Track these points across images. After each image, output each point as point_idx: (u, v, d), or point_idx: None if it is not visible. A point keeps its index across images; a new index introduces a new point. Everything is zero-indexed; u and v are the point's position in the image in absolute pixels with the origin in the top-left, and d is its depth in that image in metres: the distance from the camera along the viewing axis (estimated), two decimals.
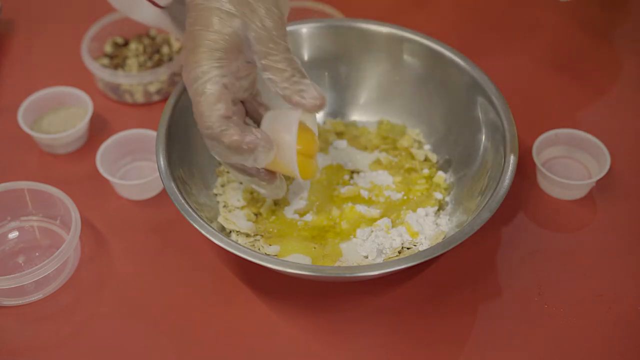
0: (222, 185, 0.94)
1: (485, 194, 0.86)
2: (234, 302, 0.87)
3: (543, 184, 0.96)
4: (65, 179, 0.99)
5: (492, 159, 0.89)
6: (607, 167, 0.94)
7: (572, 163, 0.98)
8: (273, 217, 0.91)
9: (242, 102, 0.83)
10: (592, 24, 1.17)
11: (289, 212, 0.91)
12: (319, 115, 1.02)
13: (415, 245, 0.88)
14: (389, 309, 0.86)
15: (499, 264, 0.90)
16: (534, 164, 0.96)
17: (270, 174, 0.83)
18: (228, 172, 0.95)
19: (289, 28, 0.99)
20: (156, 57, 1.10)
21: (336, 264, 0.86)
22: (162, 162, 0.86)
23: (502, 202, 0.82)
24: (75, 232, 0.87)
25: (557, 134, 0.98)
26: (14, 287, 0.85)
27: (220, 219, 0.90)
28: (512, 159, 0.85)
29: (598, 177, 0.93)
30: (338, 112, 1.02)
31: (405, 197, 0.93)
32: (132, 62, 1.09)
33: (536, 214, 0.94)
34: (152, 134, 0.98)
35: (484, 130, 0.92)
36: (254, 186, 0.86)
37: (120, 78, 1.05)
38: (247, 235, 0.89)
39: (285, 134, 0.80)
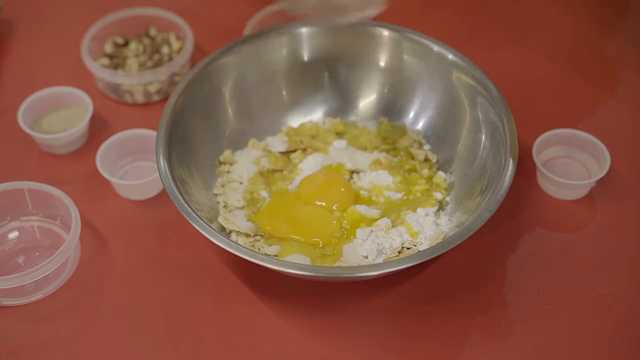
0: (222, 185, 0.94)
1: (485, 194, 0.86)
2: (234, 302, 0.87)
3: (543, 184, 0.96)
4: (65, 179, 0.99)
5: (492, 159, 0.89)
6: (607, 167, 0.94)
7: (572, 163, 0.98)
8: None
9: None
10: (593, 25, 1.17)
11: None
12: (319, 116, 1.02)
13: (415, 245, 0.88)
14: (389, 309, 0.86)
15: (499, 264, 0.90)
16: (534, 164, 0.96)
17: None
18: (228, 172, 0.96)
19: (289, 28, 0.99)
20: (156, 57, 1.10)
21: (336, 264, 0.86)
22: (162, 162, 0.86)
23: (502, 202, 0.82)
24: (75, 232, 0.87)
25: (557, 134, 0.98)
26: (14, 287, 0.85)
27: (220, 219, 0.90)
28: (512, 159, 0.85)
29: (598, 177, 0.93)
30: (338, 112, 1.02)
31: (405, 197, 0.93)
32: (132, 62, 1.09)
33: (536, 214, 0.94)
34: (152, 134, 0.98)
35: (484, 130, 0.92)
36: None
37: (120, 78, 1.05)
38: (247, 236, 0.89)
39: None
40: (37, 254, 0.91)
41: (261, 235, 0.90)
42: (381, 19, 0.99)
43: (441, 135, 0.97)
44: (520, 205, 0.95)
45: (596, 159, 0.96)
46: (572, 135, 0.98)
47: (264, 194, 0.94)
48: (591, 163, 0.97)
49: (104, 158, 0.97)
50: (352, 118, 1.02)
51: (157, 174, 0.90)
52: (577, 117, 1.04)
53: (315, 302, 0.87)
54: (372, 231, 0.88)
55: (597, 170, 0.96)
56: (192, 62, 1.11)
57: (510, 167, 0.84)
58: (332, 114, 1.02)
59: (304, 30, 0.99)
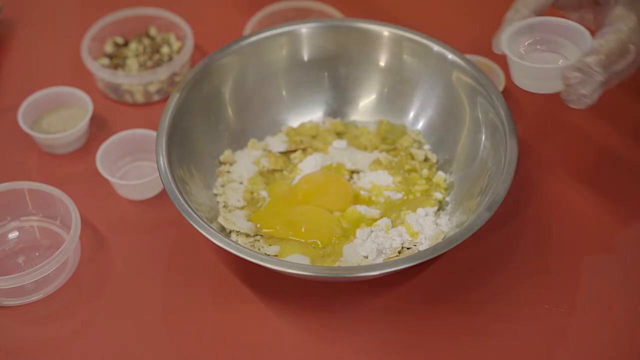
0: (222, 186, 0.94)
1: (485, 194, 0.86)
2: (234, 302, 0.87)
3: (518, 77, 0.84)
4: (65, 179, 0.99)
5: (492, 159, 0.89)
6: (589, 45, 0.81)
7: (551, 56, 0.86)
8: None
9: None
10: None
11: None
12: (319, 116, 1.02)
13: (415, 245, 0.88)
14: (389, 309, 0.86)
15: (499, 264, 0.90)
16: (534, 164, 0.95)
17: None
18: (228, 172, 0.96)
19: (289, 28, 0.99)
20: (156, 57, 1.10)
21: (336, 264, 0.86)
22: (162, 162, 0.86)
23: (502, 202, 0.82)
24: (75, 232, 0.87)
25: (532, 25, 0.85)
26: (14, 287, 0.85)
27: (220, 219, 0.90)
28: (512, 159, 0.85)
29: (577, 58, 0.80)
30: (338, 112, 1.02)
31: (405, 197, 0.93)
32: (132, 62, 1.09)
33: (536, 213, 0.94)
34: (152, 134, 0.98)
35: (484, 130, 0.92)
36: None
37: (120, 78, 1.05)
38: (247, 236, 0.89)
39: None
40: (37, 254, 0.91)
41: (261, 235, 0.90)
42: (381, 19, 0.99)
43: (441, 135, 0.97)
44: (520, 205, 0.95)
45: (578, 46, 0.83)
46: (550, 25, 0.85)
47: (264, 194, 0.94)
48: (574, 53, 0.84)
49: (104, 158, 0.97)
50: (352, 118, 1.02)
51: (157, 174, 0.90)
52: (578, 117, 1.04)
53: (315, 302, 0.87)
54: (372, 231, 0.88)
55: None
56: (192, 62, 1.11)
57: (510, 167, 0.84)
58: (332, 114, 1.02)
59: (304, 30, 0.99)
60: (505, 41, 0.84)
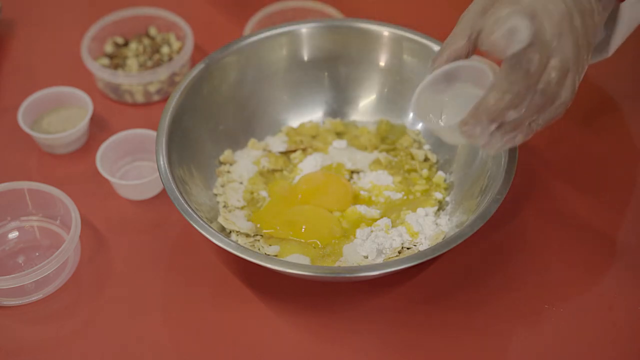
0: (222, 185, 0.94)
1: (485, 194, 0.86)
2: (234, 302, 0.87)
3: (435, 133, 0.84)
4: (65, 179, 0.99)
5: (492, 159, 0.88)
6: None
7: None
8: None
9: None
10: None
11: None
12: (319, 116, 1.02)
13: (415, 245, 0.88)
14: (389, 309, 0.86)
15: (499, 264, 0.90)
16: (534, 164, 0.95)
17: None
18: (228, 172, 0.96)
19: (289, 28, 0.99)
20: (156, 57, 1.10)
21: (336, 264, 0.86)
22: (162, 162, 0.86)
23: (502, 202, 0.82)
24: (75, 232, 0.87)
25: (449, 72, 0.80)
26: (14, 287, 0.85)
27: (220, 219, 0.90)
28: (512, 159, 0.85)
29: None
30: (338, 112, 1.02)
31: (405, 197, 0.93)
32: (132, 62, 1.09)
33: (536, 213, 0.94)
34: (152, 134, 0.98)
35: None
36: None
37: (120, 78, 1.05)
38: (247, 236, 0.89)
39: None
40: (37, 254, 0.91)
41: (261, 235, 0.90)
42: (381, 19, 0.99)
43: None
44: (520, 205, 0.95)
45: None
46: (463, 69, 0.80)
47: (264, 194, 0.94)
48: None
49: (104, 158, 0.97)
50: (352, 118, 1.02)
51: (157, 174, 0.90)
52: (580, 119, 1.04)
53: (315, 302, 0.87)
54: (372, 231, 0.88)
55: None
56: (192, 62, 1.11)
57: (510, 167, 0.84)
58: (332, 114, 1.02)
59: (304, 30, 0.99)
60: (414, 100, 0.80)
